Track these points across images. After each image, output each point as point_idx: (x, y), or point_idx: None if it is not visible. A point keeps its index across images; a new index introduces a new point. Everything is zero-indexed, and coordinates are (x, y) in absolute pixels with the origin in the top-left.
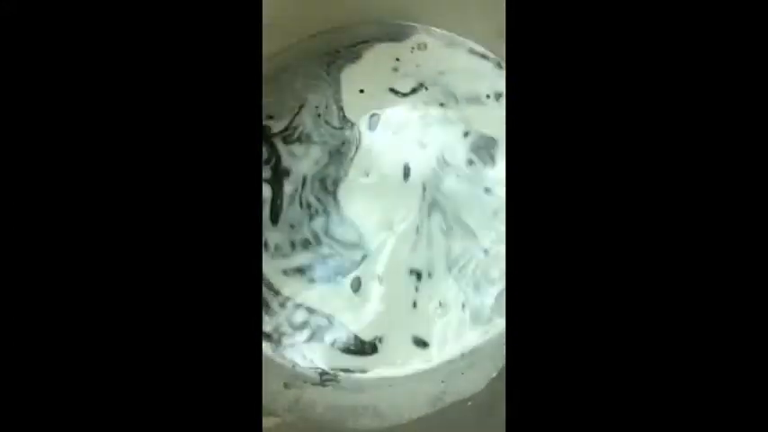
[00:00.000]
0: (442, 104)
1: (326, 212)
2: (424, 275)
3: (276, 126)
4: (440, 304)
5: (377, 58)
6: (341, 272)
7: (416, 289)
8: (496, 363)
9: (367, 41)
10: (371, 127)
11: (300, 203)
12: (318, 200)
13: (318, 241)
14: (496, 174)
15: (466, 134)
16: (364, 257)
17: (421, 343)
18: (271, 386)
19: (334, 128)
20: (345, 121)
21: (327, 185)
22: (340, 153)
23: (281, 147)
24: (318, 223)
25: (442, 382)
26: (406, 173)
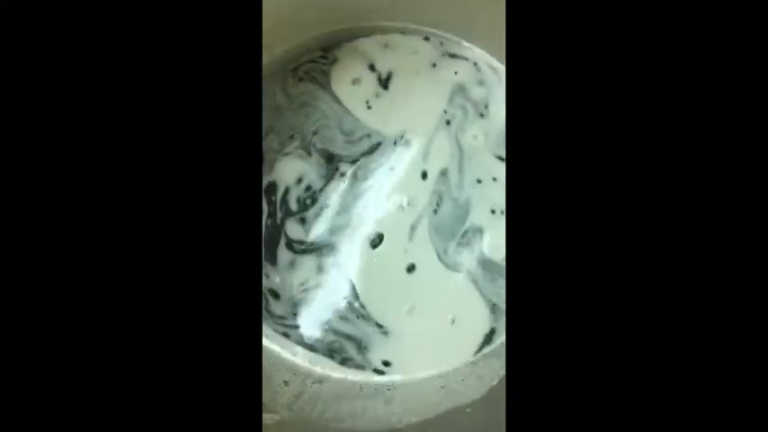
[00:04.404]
0: None
1: None
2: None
3: None
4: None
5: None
6: None
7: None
8: (497, 371)
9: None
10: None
11: None
12: None
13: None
14: None
15: None
16: None
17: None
18: (270, 383)
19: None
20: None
21: None
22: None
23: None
24: None
25: (442, 387)
26: None
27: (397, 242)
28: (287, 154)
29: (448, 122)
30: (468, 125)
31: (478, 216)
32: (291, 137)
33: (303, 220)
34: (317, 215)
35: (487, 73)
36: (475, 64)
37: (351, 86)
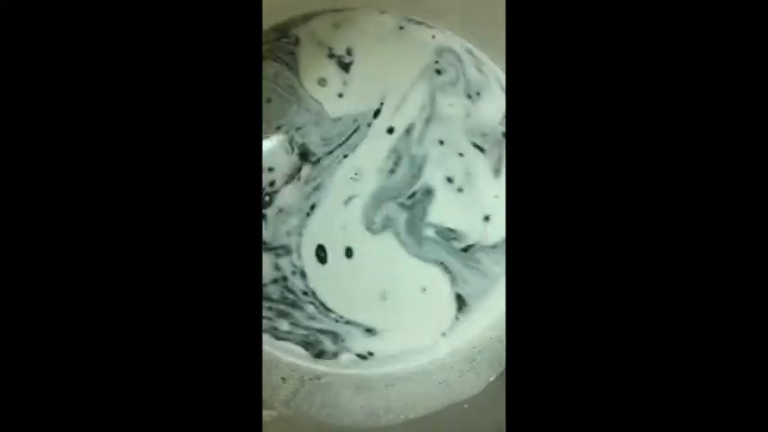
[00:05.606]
0: None
1: None
2: None
3: None
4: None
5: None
6: None
7: None
8: (495, 366)
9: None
10: None
11: None
12: None
13: None
14: None
15: None
16: None
17: None
18: (268, 380)
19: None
20: None
21: None
22: None
23: None
24: None
25: (440, 383)
26: None
27: (335, 229)
28: (268, 137)
29: (438, 72)
30: (452, 92)
31: (432, 178)
32: (278, 127)
33: (263, 217)
34: (274, 214)
35: (481, 64)
36: (469, 51)
37: (320, 88)
